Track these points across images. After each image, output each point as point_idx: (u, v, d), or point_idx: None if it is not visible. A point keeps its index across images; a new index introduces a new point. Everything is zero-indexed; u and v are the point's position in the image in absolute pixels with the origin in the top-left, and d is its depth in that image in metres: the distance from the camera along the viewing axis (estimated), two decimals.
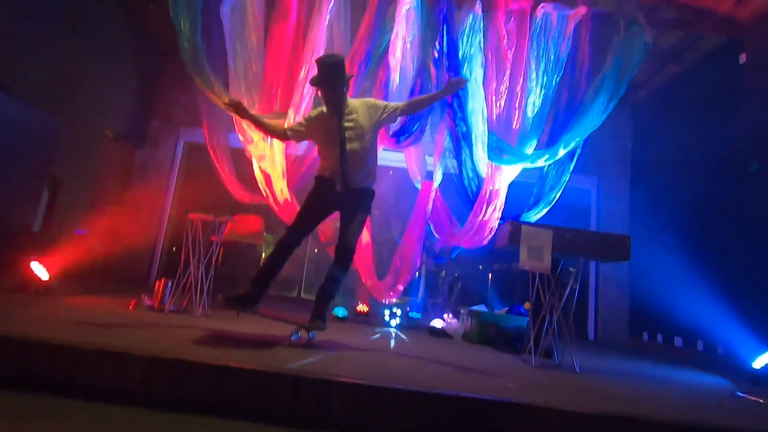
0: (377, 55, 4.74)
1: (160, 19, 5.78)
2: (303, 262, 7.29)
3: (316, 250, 7.29)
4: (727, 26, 5.30)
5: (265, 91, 4.54)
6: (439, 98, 2.98)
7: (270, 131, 3.19)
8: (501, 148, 4.58)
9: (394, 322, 5.02)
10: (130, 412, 1.71)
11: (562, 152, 4.62)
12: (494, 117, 4.68)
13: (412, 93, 4.55)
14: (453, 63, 4.49)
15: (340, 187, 2.83)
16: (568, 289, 3.17)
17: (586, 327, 7.17)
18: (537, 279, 3.19)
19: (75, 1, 5.48)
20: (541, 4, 4.75)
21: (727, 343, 4.81)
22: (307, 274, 7.30)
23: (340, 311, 5.00)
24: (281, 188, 4.55)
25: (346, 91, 2.92)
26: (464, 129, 4.51)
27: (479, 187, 4.64)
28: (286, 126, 3.28)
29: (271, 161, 4.52)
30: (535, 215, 4.75)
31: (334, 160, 2.84)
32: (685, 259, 5.42)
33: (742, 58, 5.25)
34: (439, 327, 4.79)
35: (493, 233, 4.60)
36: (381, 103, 3.00)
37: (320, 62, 2.89)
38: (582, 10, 4.74)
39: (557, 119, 4.82)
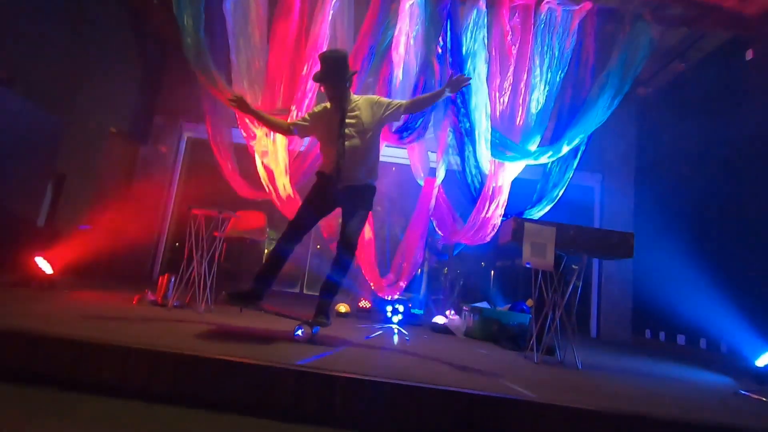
0: (380, 51, 4.72)
1: (163, 16, 5.77)
2: (305, 258, 7.30)
3: (318, 246, 7.29)
4: (733, 23, 5.25)
5: (268, 87, 4.53)
6: (441, 97, 2.99)
7: (273, 126, 3.19)
8: (504, 145, 4.56)
9: (396, 319, 5.03)
10: (134, 407, 1.72)
11: (565, 149, 4.60)
12: (497, 113, 4.66)
13: (415, 89, 4.54)
14: (456, 59, 4.47)
15: (339, 184, 2.83)
16: (571, 287, 3.16)
17: (589, 324, 7.16)
18: (540, 276, 3.18)
19: (75, 1, 5.48)
20: (546, 0, 4.72)
21: (731, 341, 4.80)
22: (310, 270, 7.31)
23: (342, 307, 5.01)
24: (284, 184, 4.55)
25: (350, 87, 2.92)
26: (467, 125, 4.50)
27: (482, 183, 4.63)
28: (289, 121, 3.28)
29: (273, 157, 4.52)
30: (538, 212, 4.73)
31: (335, 156, 2.84)
32: (688, 256, 5.40)
33: (749, 55, 5.21)
34: (442, 324, 4.80)
35: (495, 230, 4.59)
36: (384, 100, 2.99)
37: (323, 58, 2.88)
38: (587, 5, 4.70)
39: (561, 116, 4.79)
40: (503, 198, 4.63)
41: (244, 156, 4.78)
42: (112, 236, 6.00)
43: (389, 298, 5.06)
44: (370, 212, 3.11)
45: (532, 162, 4.68)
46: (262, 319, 3.36)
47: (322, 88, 2.96)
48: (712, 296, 4.92)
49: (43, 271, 3.86)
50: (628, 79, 4.50)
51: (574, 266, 3.26)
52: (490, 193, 4.57)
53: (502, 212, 4.61)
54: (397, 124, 4.52)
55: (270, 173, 4.60)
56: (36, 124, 4.92)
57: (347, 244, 2.80)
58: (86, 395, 1.75)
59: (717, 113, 5.62)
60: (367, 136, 2.88)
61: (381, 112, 2.92)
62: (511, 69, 4.71)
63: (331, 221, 4.61)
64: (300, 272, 7.32)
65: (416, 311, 5.88)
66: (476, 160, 4.61)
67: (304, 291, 7.29)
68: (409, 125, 4.60)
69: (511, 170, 4.68)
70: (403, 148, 5.26)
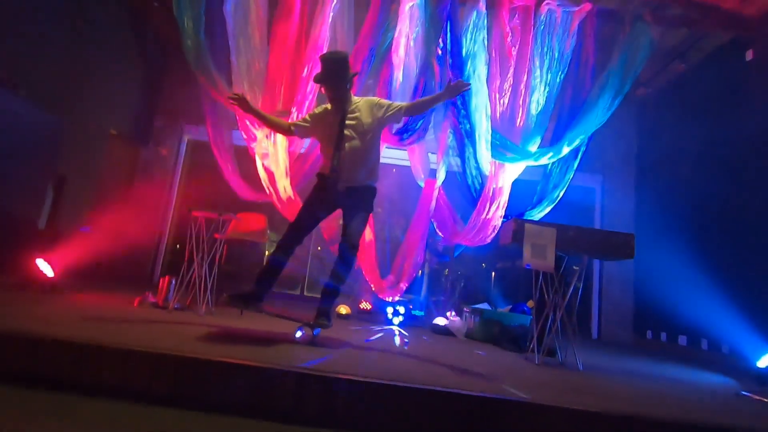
0: (380, 53, 4.72)
1: (163, 16, 5.78)
2: (306, 259, 7.30)
3: (319, 248, 7.28)
4: (733, 23, 5.25)
5: (268, 89, 4.53)
6: (441, 101, 3.00)
7: (273, 126, 3.20)
8: (504, 146, 4.56)
9: (397, 320, 5.03)
10: (135, 409, 1.72)
11: (566, 150, 4.60)
12: (498, 114, 4.66)
13: (415, 91, 4.54)
14: (456, 60, 4.47)
15: (339, 185, 2.83)
16: (572, 288, 3.16)
17: (590, 325, 7.15)
18: (540, 277, 3.18)
19: (75, 1, 5.49)
20: (546, 1, 4.72)
21: (732, 342, 4.79)
22: (311, 272, 7.31)
23: (343, 309, 5.01)
24: (284, 186, 4.55)
25: (350, 88, 2.93)
26: (468, 127, 4.50)
27: (483, 185, 4.63)
28: (289, 122, 3.29)
29: (274, 159, 4.52)
30: (538, 213, 4.73)
31: (335, 157, 2.84)
32: (689, 257, 5.39)
33: (749, 55, 5.21)
34: (442, 325, 4.79)
35: (496, 231, 4.58)
36: (385, 101, 2.99)
37: (324, 59, 2.89)
38: (587, 6, 4.70)
39: (561, 117, 4.79)
40: (504, 199, 4.62)
41: (245, 158, 4.78)
42: (113, 238, 6.00)
43: (390, 300, 5.05)
44: (371, 214, 3.11)
45: (532, 163, 4.67)
46: (263, 321, 3.36)
47: (322, 90, 2.97)
48: (713, 297, 4.91)
49: (44, 273, 3.85)
50: (629, 80, 4.50)
51: (574, 267, 3.26)
52: (491, 194, 4.57)
53: (503, 213, 4.60)
54: (397, 126, 4.52)
55: (270, 175, 4.60)
56: (36, 125, 4.93)
57: (349, 245, 2.80)
58: (87, 397, 1.75)
59: (717, 114, 5.61)
60: (367, 137, 2.88)
61: (381, 114, 2.92)
62: (511, 70, 4.71)
63: (332, 223, 4.61)
64: (301, 274, 7.32)
65: (417, 313, 5.87)
66: (476, 162, 4.61)
67: (305, 293, 7.28)
68: (409, 127, 4.60)
69: (511, 171, 4.68)
70: (403, 150, 5.26)
